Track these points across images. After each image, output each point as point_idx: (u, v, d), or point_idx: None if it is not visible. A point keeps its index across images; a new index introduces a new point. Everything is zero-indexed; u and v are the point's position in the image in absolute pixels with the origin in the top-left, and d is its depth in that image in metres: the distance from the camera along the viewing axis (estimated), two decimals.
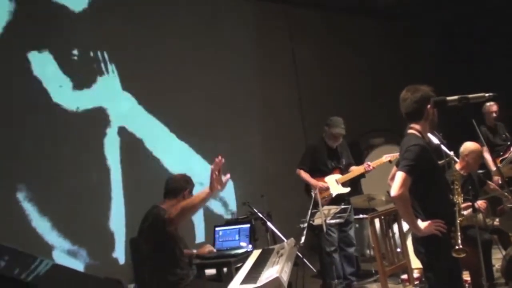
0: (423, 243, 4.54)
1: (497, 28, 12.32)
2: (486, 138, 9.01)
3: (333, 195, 7.88)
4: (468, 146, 6.75)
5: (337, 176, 8.00)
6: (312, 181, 7.91)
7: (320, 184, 7.73)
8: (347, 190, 8.00)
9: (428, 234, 4.43)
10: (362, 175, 8.58)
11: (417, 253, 4.67)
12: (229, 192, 9.79)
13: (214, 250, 6.57)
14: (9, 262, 3.09)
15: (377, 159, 8.10)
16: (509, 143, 8.88)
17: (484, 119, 9.08)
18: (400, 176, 4.38)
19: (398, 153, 8.03)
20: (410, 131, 4.65)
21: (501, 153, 8.91)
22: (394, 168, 5.03)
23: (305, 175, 8.03)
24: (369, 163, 8.04)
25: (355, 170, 8.11)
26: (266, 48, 11.28)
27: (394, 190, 4.36)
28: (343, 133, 8.06)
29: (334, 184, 7.94)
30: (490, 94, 3.89)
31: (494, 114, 8.92)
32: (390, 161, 8.06)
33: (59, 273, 3.23)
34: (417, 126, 4.63)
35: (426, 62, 13.19)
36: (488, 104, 9.02)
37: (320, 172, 8.04)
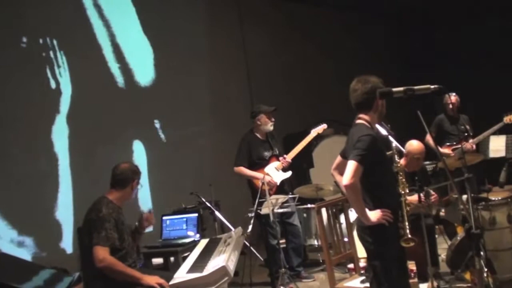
0: (370, 232, 4.59)
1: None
2: (439, 126, 9.25)
3: (278, 183, 7.91)
4: (408, 146, 6.84)
5: (275, 164, 8.01)
6: (256, 174, 7.91)
7: (267, 178, 7.65)
8: (289, 174, 8.02)
9: (376, 223, 4.49)
10: (309, 165, 8.64)
11: (363, 242, 4.72)
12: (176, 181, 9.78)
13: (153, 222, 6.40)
14: None
15: (326, 150, 8.17)
16: (466, 134, 9.06)
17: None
18: (352, 165, 4.41)
19: (324, 126, 8.23)
20: (359, 121, 4.69)
21: (454, 143, 9.11)
22: (338, 157, 5.07)
23: (247, 171, 8.00)
24: (284, 155, 8.10)
25: (295, 149, 8.16)
26: (217, 36, 11.25)
27: (346, 179, 4.39)
28: (273, 108, 8.13)
29: (275, 172, 7.95)
30: (436, 86, 3.94)
31: (451, 106, 9.11)
32: (318, 134, 8.30)
33: (6, 262, 3.21)
34: (366, 117, 4.67)
35: (379, 52, 13.31)
36: (446, 95, 9.21)
37: (257, 165, 8.03)
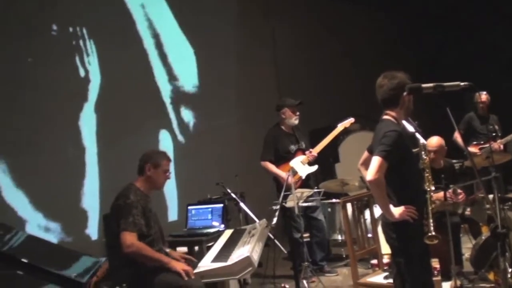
0: (394, 229, 4.59)
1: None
2: (468, 123, 9.20)
3: (303, 177, 7.91)
4: (428, 142, 6.82)
5: (301, 157, 8.00)
6: (280, 172, 7.91)
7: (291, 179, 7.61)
8: (314, 168, 8.01)
9: (400, 220, 4.49)
10: (335, 160, 8.62)
11: (388, 238, 4.72)
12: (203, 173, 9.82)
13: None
14: None
15: (353, 145, 8.15)
16: (494, 134, 8.99)
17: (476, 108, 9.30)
18: (376, 160, 4.42)
19: (351, 120, 8.20)
20: (385, 117, 4.69)
21: (482, 142, 9.05)
22: (365, 153, 5.07)
23: (272, 167, 8.01)
24: (311, 149, 8.09)
25: (321, 143, 8.15)
26: (245, 29, 11.27)
27: (370, 174, 4.40)
28: (298, 102, 8.12)
29: (300, 166, 7.95)
30: (466, 83, 3.92)
31: (481, 104, 9.06)
32: (345, 128, 8.25)
33: (34, 244, 3.25)
34: (392, 113, 4.67)
35: (405, 49, 13.24)
36: (477, 94, 9.19)
37: (283, 159, 8.04)
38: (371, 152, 4.72)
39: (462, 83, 3.93)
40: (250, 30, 11.36)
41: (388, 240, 4.74)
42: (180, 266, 5.40)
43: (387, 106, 4.70)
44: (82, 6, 8.72)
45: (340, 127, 8.21)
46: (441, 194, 5.99)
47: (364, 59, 12.56)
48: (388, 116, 4.67)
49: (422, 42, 13.81)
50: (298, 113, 8.09)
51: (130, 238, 5.29)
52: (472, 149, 8.97)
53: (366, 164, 4.78)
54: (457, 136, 7.71)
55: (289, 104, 8.10)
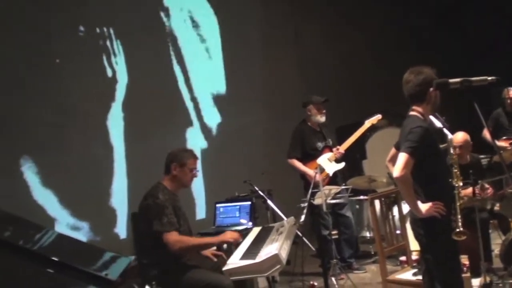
0: (422, 225, 4.58)
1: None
2: (496, 120, 9.11)
3: (330, 175, 7.90)
4: (453, 138, 6.76)
5: (328, 155, 8.00)
6: (307, 170, 7.92)
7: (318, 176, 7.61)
8: (341, 165, 8.01)
9: (428, 216, 4.47)
10: (363, 156, 8.58)
11: (416, 234, 4.71)
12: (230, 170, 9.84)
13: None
14: (15, 231, 3.14)
15: (380, 141, 8.11)
16: None
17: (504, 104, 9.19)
18: (402, 157, 4.41)
19: (379, 116, 8.15)
20: (412, 113, 4.68)
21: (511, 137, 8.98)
22: (393, 149, 5.06)
23: (299, 165, 8.03)
24: (338, 146, 8.07)
25: (348, 140, 8.13)
26: (270, 26, 11.28)
27: (397, 171, 4.40)
28: (326, 98, 8.11)
29: (328, 163, 7.94)
30: (493, 77, 3.90)
31: (509, 101, 8.97)
32: (372, 124, 8.25)
33: (64, 242, 3.28)
34: (419, 109, 4.65)
35: (432, 43, 13.13)
36: (505, 89, 9.09)
37: (311, 156, 8.04)
38: (398, 149, 4.71)
39: (489, 78, 3.91)
40: (275, 28, 11.35)
41: (416, 237, 4.74)
42: (228, 236, 5.60)
43: (414, 101, 4.68)
44: (108, 7, 8.78)
45: (367, 123, 8.19)
46: (469, 190, 5.95)
47: (390, 55, 12.47)
48: (415, 112, 4.66)
49: (451, 36, 13.69)
50: (324, 111, 8.07)
51: (173, 238, 5.33)
52: (502, 143, 8.86)
53: (394, 160, 4.77)
54: (486, 133, 7.63)
55: (315, 101, 8.09)
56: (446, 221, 4.54)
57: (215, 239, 5.62)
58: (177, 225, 5.43)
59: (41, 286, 2.63)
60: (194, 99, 9.84)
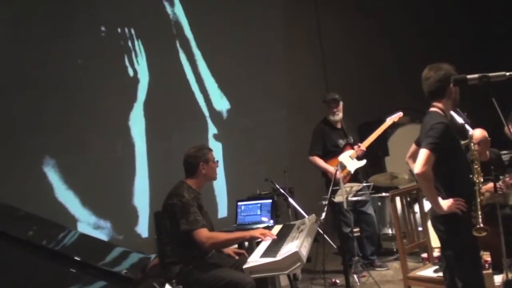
0: (443, 221, 4.58)
1: None
2: None
3: (352, 172, 7.90)
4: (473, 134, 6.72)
5: (349, 152, 7.99)
6: (328, 167, 7.92)
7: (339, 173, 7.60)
8: (363, 163, 8.00)
9: (449, 212, 4.47)
10: (385, 153, 8.55)
11: (436, 231, 4.72)
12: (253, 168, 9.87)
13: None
14: (38, 231, 3.18)
15: (402, 138, 8.08)
16: None
17: None
18: (423, 153, 4.42)
19: (400, 114, 8.11)
20: (433, 109, 4.68)
21: None
22: (413, 145, 5.06)
23: (320, 162, 8.03)
24: (359, 144, 8.05)
25: (370, 138, 8.11)
26: (292, 23, 11.29)
27: (418, 167, 4.41)
28: (334, 97, 8.09)
29: (349, 160, 7.93)
30: (511, 73, 3.89)
31: None
32: (394, 122, 8.21)
33: (86, 242, 3.33)
34: (439, 105, 4.65)
35: (453, 40, 13.05)
36: None
37: (332, 153, 8.03)
38: (419, 145, 4.71)
39: (508, 73, 3.90)
40: (297, 24, 11.35)
41: (437, 233, 4.74)
42: (259, 232, 5.61)
43: (434, 98, 4.69)
44: (128, 7, 8.85)
45: (389, 121, 8.18)
46: (490, 185, 5.92)
47: (412, 51, 12.42)
48: (435, 108, 4.66)
49: (469, 32, 13.59)
50: (335, 109, 8.06)
51: (203, 234, 5.38)
52: None
53: (414, 157, 4.76)
54: (507, 130, 7.55)
55: (325, 98, 8.12)
56: (467, 217, 4.54)
57: (246, 234, 5.64)
58: (204, 222, 5.48)
59: (65, 285, 2.67)
60: (215, 98, 9.86)
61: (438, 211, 4.52)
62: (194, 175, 5.75)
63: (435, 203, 4.50)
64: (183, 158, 5.81)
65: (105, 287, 2.70)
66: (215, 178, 6.03)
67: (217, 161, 5.95)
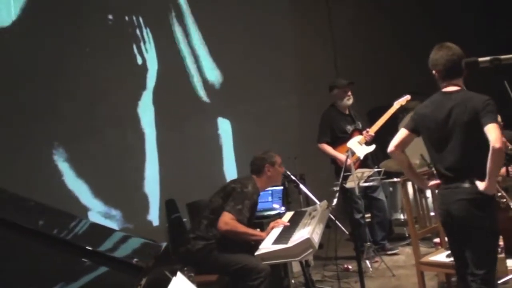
0: (479, 205, 4.48)
1: None
2: None
3: (361, 158, 7.87)
4: None
5: (358, 138, 7.97)
6: (337, 154, 7.90)
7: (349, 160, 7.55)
8: (372, 148, 7.98)
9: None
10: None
11: (470, 215, 4.55)
12: None
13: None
14: (49, 221, 3.17)
15: None
16: None
17: None
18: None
19: (407, 97, 8.03)
20: (456, 88, 4.58)
21: None
22: (404, 132, 5.02)
23: (329, 149, 8.00)
24: (367, 129, 8.02)
25: (378, 123, 8.08)
26: (302, 10, 11.23)
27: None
28: (348, 82, 8.07)
29: (358, 146, 7.90)
30: None
31: None
32: (401, 106, 8.18)
33: (97, 231, 3.32)
34: (460, 83, 4.57)
35: (464, 25, 12.96)
36: None
37: (340, 140, 8.01)
38: (414, 131, 4.65)
39: None
40: (307, 11, 11.30)
41: (467, 218, 4.56)
42: (270, 227, 5.74)
43: (454, 76, 4.58)
44: None
45: (396, 105, 8.13)
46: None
47: (422, 37, 12.34)
48: (458, 87, 4.57)
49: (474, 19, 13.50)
50: (349, 94, 8.03)
51: (228, 218, 5.54)
52: None
53: (404, 145, 4.72)
54: None
55: (339, 84, 8.07)
56: (495, 198, 4.50)
57: (264, 235, 5.65)
58: (245, 218, 5.63)
59: (77, 274, 2.66)
60: (224, 86, 9.82)
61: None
62: (259, 175, 6.04)
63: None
64: (253, 159, 6.20)
65: (116, 275, 2.69)
66: (279, 183, 6.34)
67: (283, 166, 6.24)
